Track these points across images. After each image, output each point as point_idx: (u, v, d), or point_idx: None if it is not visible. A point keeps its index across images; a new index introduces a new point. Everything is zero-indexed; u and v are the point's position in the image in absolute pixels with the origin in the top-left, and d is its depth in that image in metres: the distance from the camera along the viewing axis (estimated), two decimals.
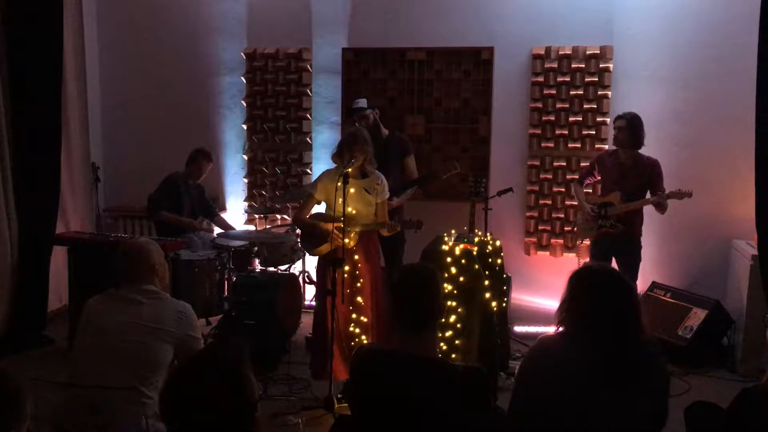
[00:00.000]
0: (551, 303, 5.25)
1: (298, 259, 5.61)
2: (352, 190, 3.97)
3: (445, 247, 4.02)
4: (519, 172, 5.80)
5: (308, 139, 6.18)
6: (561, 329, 2.33)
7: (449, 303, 3.79)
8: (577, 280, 2.33)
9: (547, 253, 5.80)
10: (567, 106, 5.64)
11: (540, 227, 5.80)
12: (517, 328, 5.29)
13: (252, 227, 6.23)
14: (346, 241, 3.99)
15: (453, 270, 3.92)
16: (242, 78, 6.23)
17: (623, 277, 2.38)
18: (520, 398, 2.33)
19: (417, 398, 2.17)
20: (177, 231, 5.35)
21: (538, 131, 5.72)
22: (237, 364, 1.73)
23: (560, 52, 5.61)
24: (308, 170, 6.20)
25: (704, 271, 5.41)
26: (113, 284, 2.90)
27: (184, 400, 1.67)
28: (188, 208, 5.53)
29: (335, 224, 4.00)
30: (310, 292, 5.76)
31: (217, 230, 5.98)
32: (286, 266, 5.46)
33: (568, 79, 5.61)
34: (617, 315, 2.22)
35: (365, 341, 4.07)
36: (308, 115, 6.16)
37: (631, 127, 4.67)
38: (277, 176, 6.19)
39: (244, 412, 1.70)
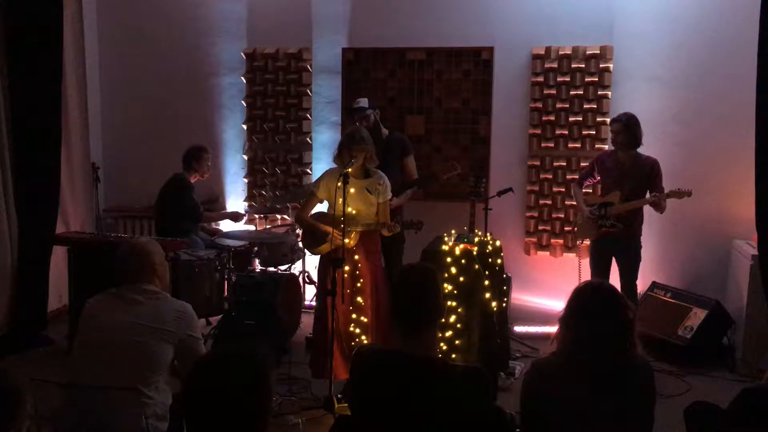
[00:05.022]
0: (551, 303, 5.26)
1: (298, 259, 5.61)
2: (352, 190, 3.97)
3: (445, 247, 4.02)
4: (519, 172, 5.80)
5: (308, 139, 6.18)
6: (554, 350, 2.33)
7: (449, 303, 3.79)
8: (574, 298, 2.33)
9: (547, 253, 5.80)
10: (567, 106, 5.64)
11: (540, 227, 5.79)
12: (517, 328, 5.29)
13: (252, 227, 6.24)
14: (347, 240, 3.98)
15: (453, 270, 3.92)
16: (242, 78, 6.23)
17: (620, 295, 2.36)
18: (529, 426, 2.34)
19: (417, 398, 2.17)
20: (177, 231, 5.33)
21: (538, 131, 5.72)
22: (262, 366, 1.76)
23: (560, 52, 5.61)
24: (308, 170, 6.20)
25: (704, 271, 5.41)
26: (113, 284, 2.90)
27: (205, 395, 1.69)
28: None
29: (335, 226, 4.00)
30: (310, 292, 5.76)
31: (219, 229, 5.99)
32: (286, 266, 5.46)
33: (568, 79, 5.61)
34: (610, 335, 2.22)
35: (365, 341, 4.07)
36: (308, 115, 6.16)
37: (629, 128, 4.67)
38: (276, 177, 6.19)
39: (261, 415, 1.73)
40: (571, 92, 5.62)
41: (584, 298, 2.31)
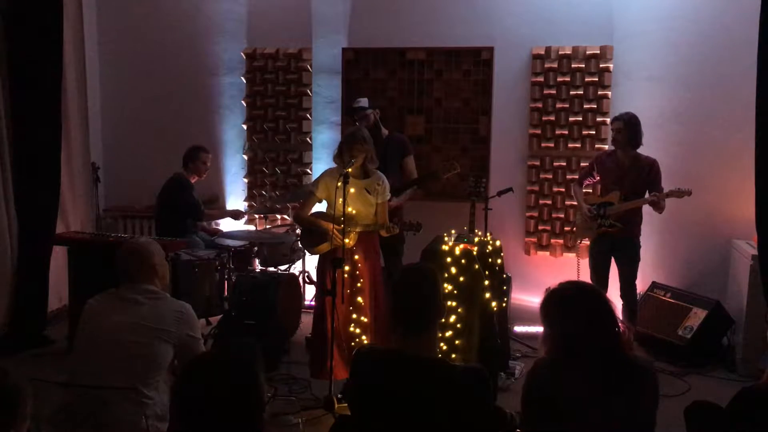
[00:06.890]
0: None
1: (298, 259, 5.61)
2: (352, 190, 3.97)
3: (445, 247, 4.02)
4: (519, 172, 5.80)
5: (308, 139, 6.18)
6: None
7: (449, 303, 3.79)
8: (546, 304, 2.31)
9: (547, 253, 5.80)
10: (567, 106, 5.64)
11: (540, 227, 5.80)
12: (517, 328, 5.29)
13: (252, 227, 6.24)
14: (346, 240, 3.98)
15: (453, 270, 3.92)
16: (242, 78, 6.23)
17: (588, 290, 2.33)
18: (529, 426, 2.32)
19: (417, 398, 2.17)
20: (178, 231, 5.33)
21: (538, 131, 5.72)
22: (250, 364, 1.76)
23: (560, 52, 5.61)
24: (308, 170, 6.21)
25: (704, 271, 5.40)
26: (113, 284, 2.90)
27: (195, 397, 1.69)
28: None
29: (335, 224, 3.99)
30: (310, 292, 5.76)
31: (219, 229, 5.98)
32: (286, 266, 5.46)
33: (568, 79, 5.61)
34: (592, 328, 2.19)
35: (365, 341, 4.07)
36: (308, 115, 6.16)
37: (629, 128, 4.68)
38: (276, 177, 6.19)
39: (253, 412, 1.72)
40: (571, 92, 5.62)
41: (550, 303, 2.29)
